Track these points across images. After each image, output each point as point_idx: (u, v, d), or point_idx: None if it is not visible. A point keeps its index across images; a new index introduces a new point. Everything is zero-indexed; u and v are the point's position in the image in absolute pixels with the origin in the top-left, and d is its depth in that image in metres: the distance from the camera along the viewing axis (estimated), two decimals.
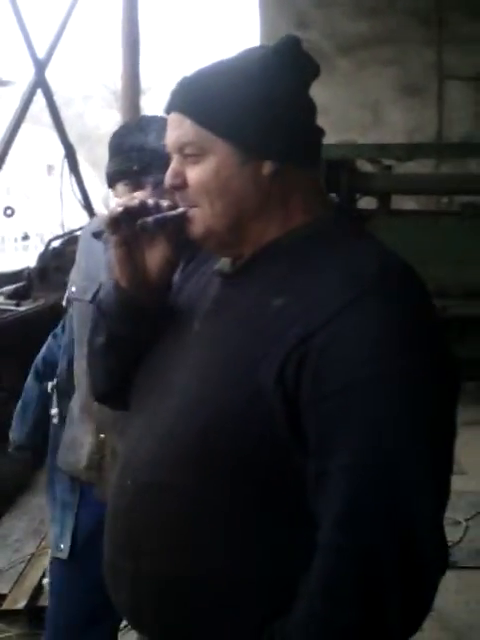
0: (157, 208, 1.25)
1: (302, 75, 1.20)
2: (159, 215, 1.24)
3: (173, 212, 1.24)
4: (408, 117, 8.31)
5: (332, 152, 5.27)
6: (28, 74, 6.20)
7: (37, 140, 19.56)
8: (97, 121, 26.40)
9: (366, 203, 5.85)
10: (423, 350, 1.09)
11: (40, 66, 6.13)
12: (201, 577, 1.17)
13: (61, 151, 6.48)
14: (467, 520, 3.78)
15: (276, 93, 1.16)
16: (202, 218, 1.20)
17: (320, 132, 1.23)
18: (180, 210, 1.22)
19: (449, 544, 1.16)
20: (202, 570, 1.17)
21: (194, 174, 1.18)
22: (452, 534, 3.49)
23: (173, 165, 1.21)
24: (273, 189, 1.18)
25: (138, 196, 1.29)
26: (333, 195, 5.40)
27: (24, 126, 6.18)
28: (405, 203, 6.70)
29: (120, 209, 1.25)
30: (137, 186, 1.81)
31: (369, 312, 1.08)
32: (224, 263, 1.25)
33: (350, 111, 8.15)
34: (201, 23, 55.41)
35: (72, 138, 6.81)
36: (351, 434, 1.06)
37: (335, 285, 1.11)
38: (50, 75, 6.33)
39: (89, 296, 1.95)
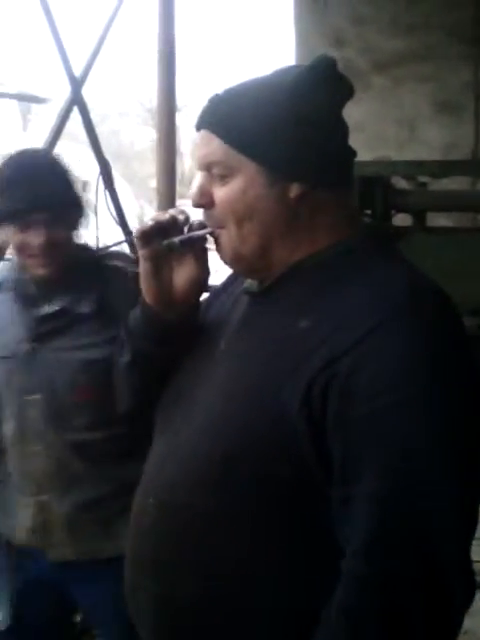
0: (188, 225, 1.25)
1: (335, 96, 1.18)
2: (185, 235, 1.23)
3: (200, 232, 1.23)
4: (444, 134, 8.25)
5: (367, 169, 5.24)
6: (65, 91, 6.26)
7: (74, 157, 19.75)
8: (133, 138, 26.59)
9: (401, 220, 5.81)
10: (452, 374, 1.07)
11: (76, 84, 6.18)
12: (219, 599, 1.15)
13: (97, 168, 6.53)
14: None
15: (307, 114, 1.14)
16: (228, 240, 1.18)
17: (352, 153, 1.21)
18: (207, 230, 1.21)
19: None
20: (221, 592, 1.15)
21: (221, 193, 1.17)
22: None
23: (200, 183, 1.19)
24: (300, 211, 1.16)
25: (171, 211, 1.28)
26: (368, 212, 5.37)
27: (61, 143, 6.23)
28: (441, 220, 6.64)
29: (151, 223, 1.24)
30: (26, 225, 1.74)
31: (397, 335, 1.06)
32: (251, 282, 1.24)
33: (385, 128, 8.11)
34: (238, 41, 55.76)
35: (108, 155, 6.85)
36: (376, 460, 1.04)
37: (363, 307, 1.09)
38: (86, 92, 6.38)
39: (4, 352, 1.87)
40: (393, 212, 5.65)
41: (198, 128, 1.21)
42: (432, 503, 1.03)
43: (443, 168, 5.87)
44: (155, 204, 7.34)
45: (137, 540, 1.28)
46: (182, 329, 1.29)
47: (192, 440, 1.19)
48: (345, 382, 1.05)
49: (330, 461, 1.07)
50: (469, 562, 1.07)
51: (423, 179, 5.77)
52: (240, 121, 1.15)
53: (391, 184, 5.67)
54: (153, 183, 7.20)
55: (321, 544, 1.10)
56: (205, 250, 1.26)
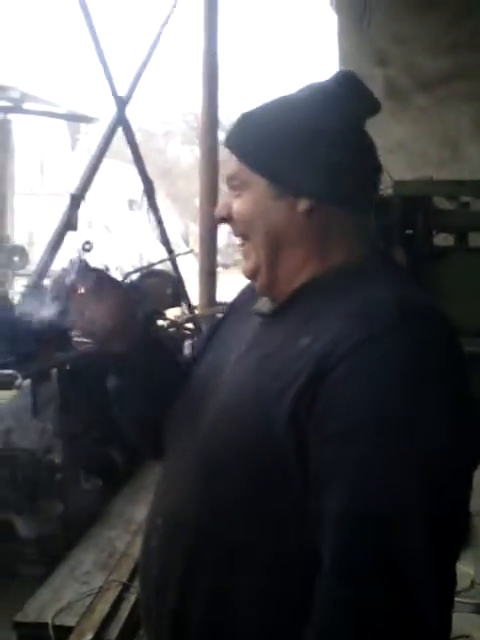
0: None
1: (353, 113, 1.19)
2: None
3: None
4: None
5: (408, 189, 5.23)
6: (112, 111, 6.34)
7: (120, 175, 19.95)
8: (178, 156, 26.79)
9: (443, 240, 5.78)
10: (432, 397, 1.04)
11: (121, 104, 6.26)
12: (229, 619, 1.15)
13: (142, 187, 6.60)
14: None
15: (318, 131, 1.16)
16: (245, 253, 1.23)
17: (374, 173, 1.22)
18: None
19: None
20: (228, 611, 1.15)
21: (236, 206, 1.22)
22: None
23: (225, 199, 1.25)
24: (310, 227, 1.18)
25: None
26: (409, 232, 5.34)
27: (109, 162, 6.32)
28: None
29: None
30: None
31: (376, 355, 1.04)
32: (262, 304, 1.26)
33: (428, 147, 8.09)
34: (283, 60, 56.00)
35: (153, 173, 6.92)
36: (346, 480, 1.02)
37: (348, 327, 1.08)
38: (132, 112, 6.47)
39: None
40: (434, 232, 5.63)
41: (225, 145, 1.26)
42: (400, 529, 1.00)
43: None
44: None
45: (146, 560, 1.29)
46: (139, 356, 1.33)
47: (193, 460, 1.21)
48: (325, 401, 1.05)
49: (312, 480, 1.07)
50: (446, 588, 1.04)
51: (465, 199, 5.74)
52: (251, 137, 1.19)
53: (433, 203, 5.65)
54: (198, 202, 7.25)
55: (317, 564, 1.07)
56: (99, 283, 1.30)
